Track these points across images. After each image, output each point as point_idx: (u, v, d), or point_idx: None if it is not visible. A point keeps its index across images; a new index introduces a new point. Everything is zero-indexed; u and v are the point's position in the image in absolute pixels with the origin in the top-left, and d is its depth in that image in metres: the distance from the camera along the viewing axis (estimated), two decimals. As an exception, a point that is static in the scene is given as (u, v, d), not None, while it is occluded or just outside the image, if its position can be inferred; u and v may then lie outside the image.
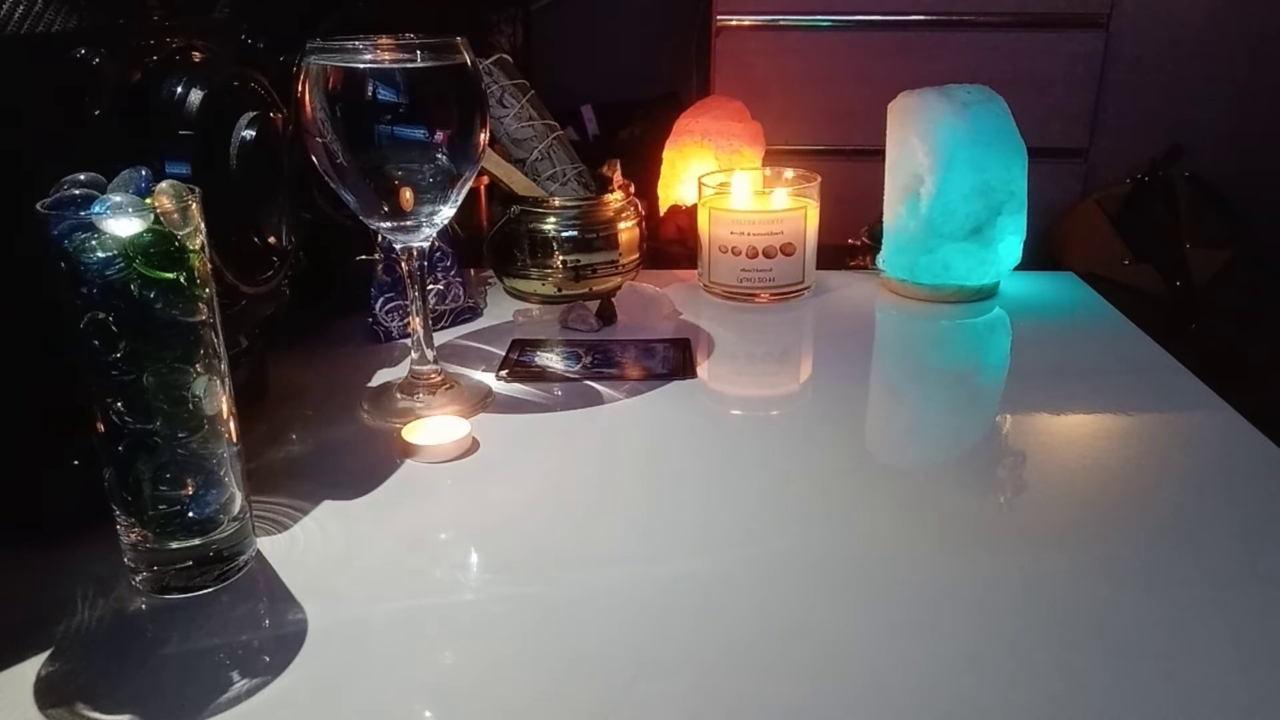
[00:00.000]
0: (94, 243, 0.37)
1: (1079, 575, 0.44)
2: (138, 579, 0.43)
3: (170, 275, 0.39)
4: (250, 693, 0.37)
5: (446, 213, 0.58)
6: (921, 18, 1.58)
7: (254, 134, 0.53)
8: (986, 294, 0.82)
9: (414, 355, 0.62)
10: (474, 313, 0.79)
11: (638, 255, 0.83)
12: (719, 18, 1.61)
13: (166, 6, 0.51)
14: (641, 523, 0.49)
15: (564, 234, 0.78)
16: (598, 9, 1.99)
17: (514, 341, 0.73)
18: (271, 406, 0.62)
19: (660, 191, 1.01)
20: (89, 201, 0.38)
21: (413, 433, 0.56)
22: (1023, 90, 1.53)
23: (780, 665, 0.39)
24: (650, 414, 0.62)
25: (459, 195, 0.58)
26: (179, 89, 0.49)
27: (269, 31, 0.64)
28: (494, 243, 0.81)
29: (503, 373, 0.68)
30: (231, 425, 0.43)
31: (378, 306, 0.74)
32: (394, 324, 0.74)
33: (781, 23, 1.61)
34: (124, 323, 0.39)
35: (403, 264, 0.60)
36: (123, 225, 0.37)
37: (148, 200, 0.39)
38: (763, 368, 0.72)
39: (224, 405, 0.42)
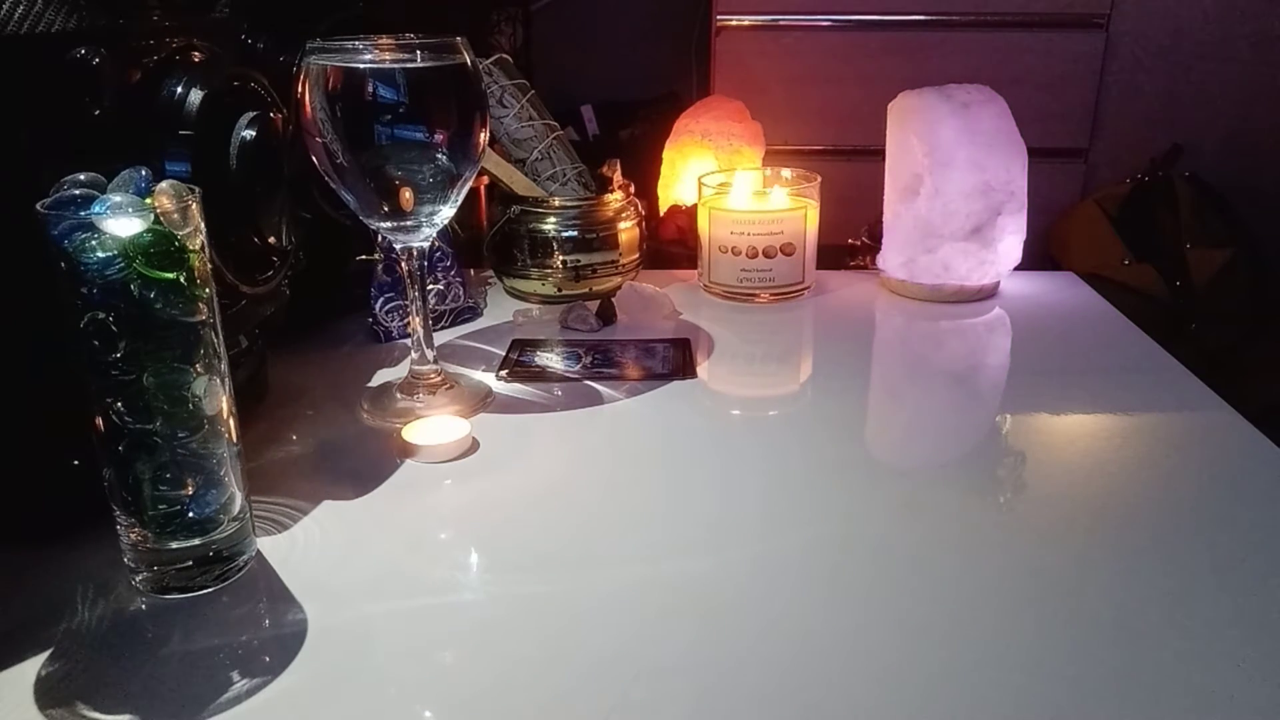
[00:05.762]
0: (94, 243, 0.37)
1: (1079, 574, 0.44)
2: (138, 579, 0.43)
3: (170, 275, 0.39)
4: (250, 693, 0.37)
5: (446, 213, 0.58)
6: (921, 18, 1.58)
7: (254, 134, 0.53)
8: (986, 294, 0.82)
9: (414, 355, 0.62)
10: (474, 313, 0.79)
11: (638, 255, 0.83)
12: (719, 18, 1.61)
13: (166, 6, 0.51)
14: (641, 523, 0.49)
15: (564, 234, 0.78)
16: (598, 9, 1.99)
17: (514, 341, 0.73)
18: (271, 406, 0.62)
19: (660, 191, 1.01)
20: (89, 201, 0.38)
21: (413, 433, 0.56)
22: (1023, 90, 1.53)
23: (781, 665, 0.39)
24: (650, 414, 0.62)
25: (459, 195, 0.58)
26: (179, 89, 0.49)
27: (269, 31, 0.64)
28: (494, 243, 0.81)
29: (503, 373, 0.68)
30: (231, 425, 0.43)
31: (378, 306, 0.74)
32: (394, 324, 0.74)
33: (781, 23, 1.61)
34: (124, 323, 0.39)
35: (403, 264, 0.60)
36: (123, 225, 0.37)
37: (148, 200, 0.39)
38: (763, 368, 0.72)
39: (224, 405, 0.42)
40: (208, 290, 0.41)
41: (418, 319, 0.61)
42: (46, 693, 0.37)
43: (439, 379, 0.63)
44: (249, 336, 0.59)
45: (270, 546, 0.47)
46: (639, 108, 1.89)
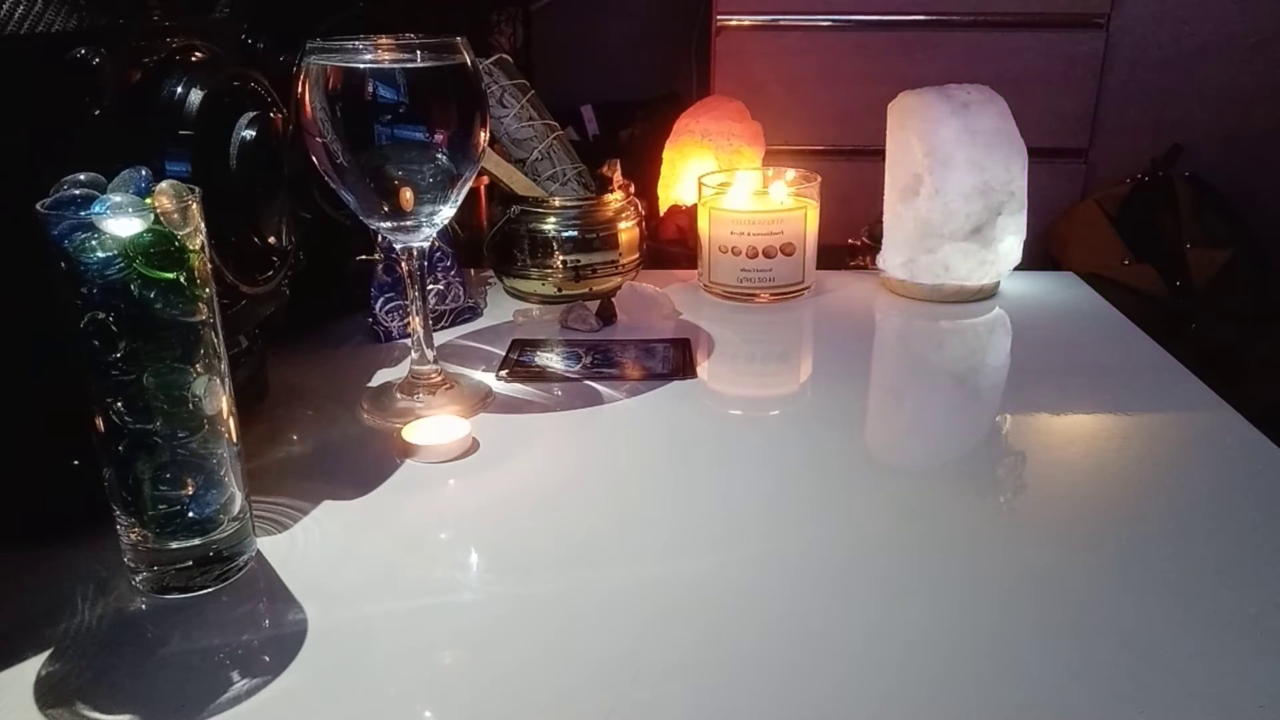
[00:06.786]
0: (94, 243, 0.37)
1: (1080, 574, 0.44)
2: (138, 579, 0.43)
3: (170, 275, 0.39)
4: (250, 693, 0.37)
5: (446, 213, 0.58)
6: (922, 18, 1.58)
7: (254, 134, 0.53)
8: (986, 294, 0.82)
9: (414, 355, 0.62)
10: (474, 313, 0.79)
11: (638, 255, 0.83)
12: (719, 18, 1.61)
13: (166, 6, 0.51)
14: (642, 523, 0.49)
15: (564, 234, 0.78)
16: (598, 9, 1.99)
17: (514, 341, 0.73)
18: (271, 406, 0.62)
19: (660, 191, 1.01)
20: (89, 201, 0.38)
21: (413, 433, 0.56)
22: (1023, 90, 1.53)
23: (782, 665, 0.39)
24: (650, 414, 0.62)
25: (459, 195, 0.58)
26: (179, 89, 0.49)
27: (269, 31, 0.64)
28: (494, 243, 0.81)
29: (503, 373, 0.68)
30: (231, 425, 0.43)
31: (378, 306, 0.74)
32: (394, 324, 0.74)
33: (781, 23, 1.61)
34: (124, 323, 0.39)
35: (403, 264, 0.60)
36: (123, 225, 0.37)
37: (148, 200, 0.39)
38: (763, 368, 0.72)
39: (224, 405, 0.42)
40: (208, 290, 0.41)
41: (418, 319, 0.61)
42: (46, 693, 0.37)
43: (439, 379, 0.63)
44: (249, 336, 0.59)
45: (270, 546, 0.47)
46: (639, 108, 1.89)
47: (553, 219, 0.79)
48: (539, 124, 0.81)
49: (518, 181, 0.80)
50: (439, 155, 0.55)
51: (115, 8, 0.47)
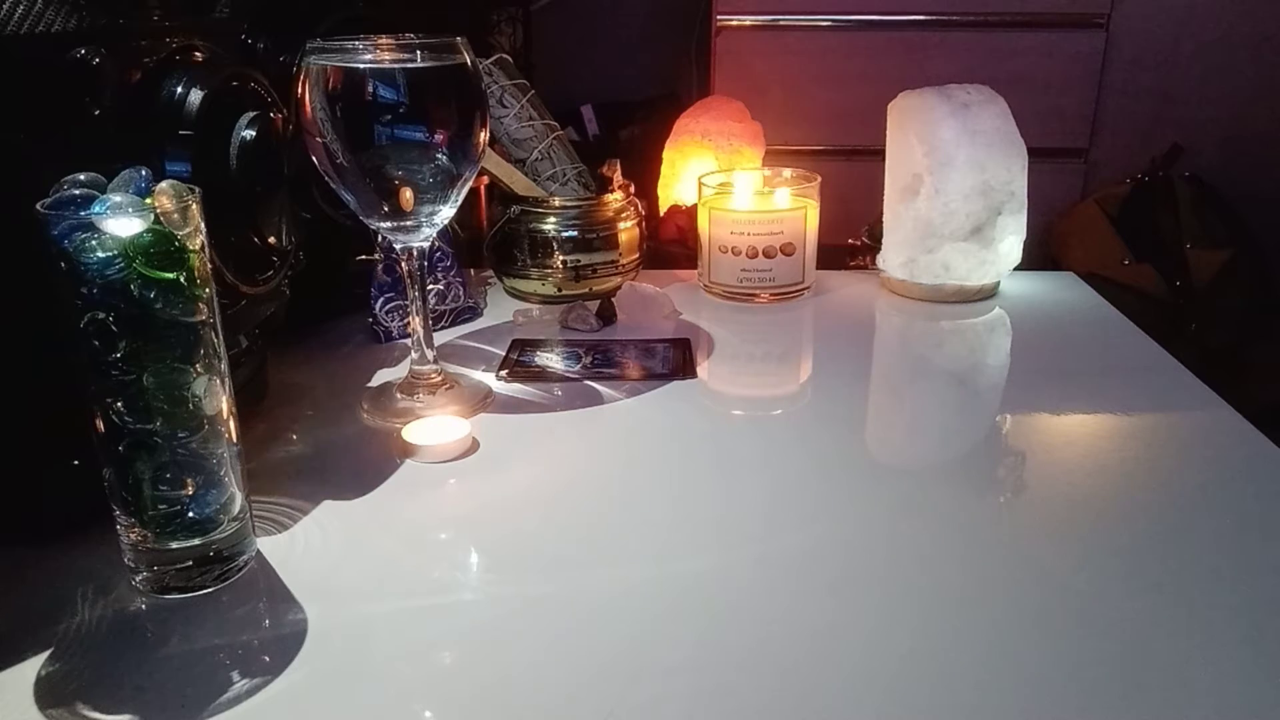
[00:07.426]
0: (94, 243, 0.37)
1: (1080, 574, 0.44)
2: (138, 579, 0.43)
3: (170, 275, 0.39)
4: (250, 693, 0.37)
5: (446, 213, 0.58)
6: (921, 18, 1.58)
7: (254, 134, 0.53)
8: (986, 294, 0.82)
9: (414, 355, 0.62)
10: (474, 313, 0.79)
11: (638, 255, 0.83)
12: (719, 18, 1.61)
13: (166, 6, 0.51)
14: (642, 523, 0.49)
15: (564, 234, 0.78)
16: (598, 9, 2.00)
17: (514, 341, 0.73)
18: (271, 406, 0.62)
19: (660, 191, 1.01)
20: (89, 201, 0.38)
21: (413, 433, 0.56)
22: (1023, 90, 1.53)
23: (783, 665, 0.39)
24: (650, 414, 0.62)
25: (459, 195, 0.58)
26: (179, 89, 0.49)
27: (269, 31, 0.64)
28: (494, 243, 0.81)
29: (503, 373, 0.68)
30: (231, 425, 0.43)
31: (378, 306, 0.74)
32: (394, 324, 0.74)
33: (781, 23, 1.61)
34: (124, 323, 0.39)
35: (403, 264, 0.60)
36: (123, 225, 0.37)
37: (148, 200, 0.39)
38: (763, 368, 0.72)
39: (224, 405, 0.42)
40: (208, 290, 0.41)
41: (418, 319, 0.61)
42: (46, 693, 0.37)
43: (439, 379, 0.63)
44: (249, 336, 0.59)
45: (270, 546, 0.47)
46: (639, 108, 1.89)
47: (553, 219, 0.79)
48: (539, 124, 0.81)
49: (518, 181, 0.80)
50: (439, 155, 0.55)
51: (115, 8, 0.47)
